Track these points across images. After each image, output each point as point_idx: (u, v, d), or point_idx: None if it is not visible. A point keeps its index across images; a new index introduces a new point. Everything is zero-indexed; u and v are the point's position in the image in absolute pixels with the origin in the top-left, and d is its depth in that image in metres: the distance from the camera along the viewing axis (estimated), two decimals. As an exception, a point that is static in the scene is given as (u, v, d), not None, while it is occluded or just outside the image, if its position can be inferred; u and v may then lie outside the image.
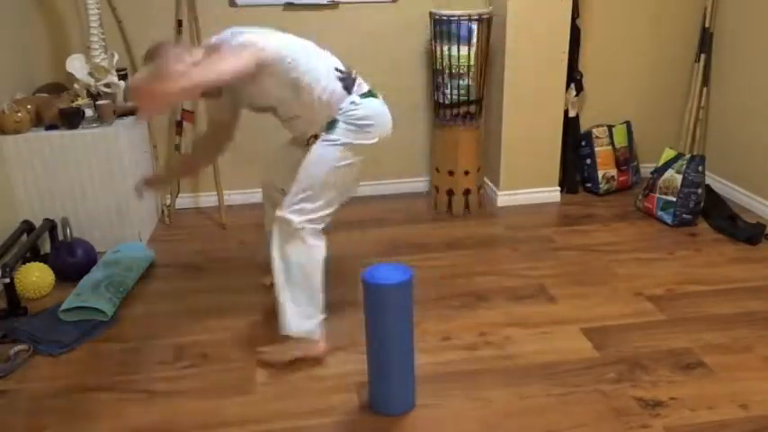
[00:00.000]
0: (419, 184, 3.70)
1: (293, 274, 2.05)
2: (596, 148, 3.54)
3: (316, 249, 2.06)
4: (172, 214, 3.38)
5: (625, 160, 3.59)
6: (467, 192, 3.34)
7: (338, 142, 2.03)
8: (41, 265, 2.63)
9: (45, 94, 2.98)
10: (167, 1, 3.20)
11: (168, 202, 3.38)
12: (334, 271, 2.76)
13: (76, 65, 2.90)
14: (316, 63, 2.03)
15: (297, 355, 2.10)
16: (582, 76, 3.51)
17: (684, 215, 3.10)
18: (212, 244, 3.07)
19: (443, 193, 3.36)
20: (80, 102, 2.93)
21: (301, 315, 2.07)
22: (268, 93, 2.03)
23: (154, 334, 2.32)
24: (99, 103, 2.86)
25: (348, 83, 2.07)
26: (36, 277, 2.56)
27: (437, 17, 3.10)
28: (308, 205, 2.01)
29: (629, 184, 3.64)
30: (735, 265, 2.73)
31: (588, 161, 3.56)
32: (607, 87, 3.65)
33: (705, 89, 3.56)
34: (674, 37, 3.60)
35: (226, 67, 1.83)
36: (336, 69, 2.07)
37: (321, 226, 2.07)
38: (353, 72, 2.13)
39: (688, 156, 3.14)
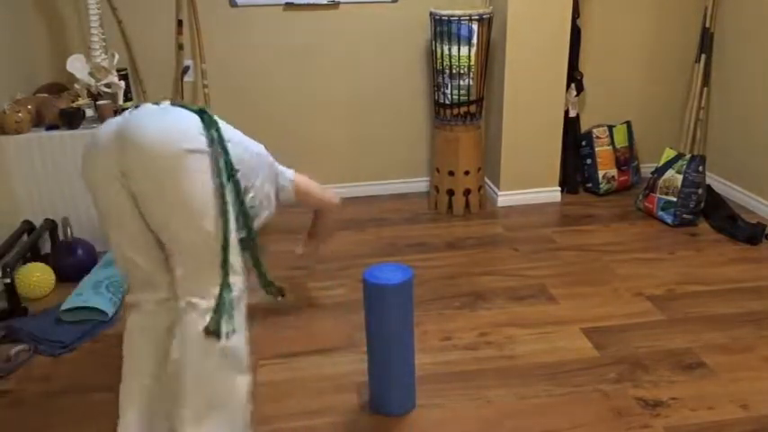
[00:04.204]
0: (419, 184, 3.70)
1: None
2: (597, 149, 3.53)
3: None
4: (172, 214, 3.37)
5: (625, 160, 3.59)
6: (467, 192, 3.34)
7: None
8: (42, 265, 2.63)
9: (45, 95, 2.98)
10: (167, 1, 3.20)
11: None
12: (335, 271, 2.77)
13: (77, 65, 2.90)
14: None
15: None
16: (582, 76, 3.51)
17: (685, 215, 3.10)
18: (212, 244, 3.07)
19: (444, 193, 3.36)
20: (80, 102, 2.93)
21: None
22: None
23: (154, 334, 2.32)
24: (99, 103, 2.86)
25: None
26: (36, 277, 2.56)
27: (437, 17, 3.09)
28: None
29: (629, 184, 3.63)
30: (735, 266, 2.73)
31: (588, 161, 3.56)
32: (607, 87, 3.65)
33: (705, 89, 3.56)
34: (674, 37, 3.60)
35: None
36: None
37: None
38: None
39: (688, 156, 3.14)
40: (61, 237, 2.83)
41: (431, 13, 3.14)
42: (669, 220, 3.13)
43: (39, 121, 2.83)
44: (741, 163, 3.39)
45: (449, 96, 3.21)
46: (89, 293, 2.41)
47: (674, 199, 3.11)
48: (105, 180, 1.56)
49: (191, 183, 1.51)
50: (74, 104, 2.90)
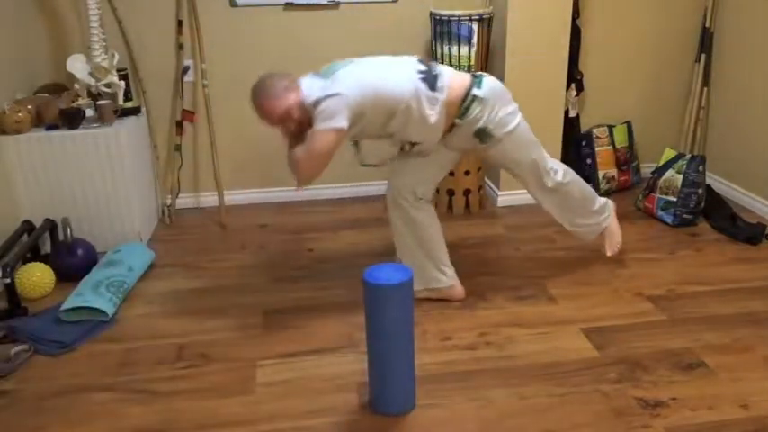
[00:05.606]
0: (419, 184, 3.69)
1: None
2: (597, 149, 3.53)
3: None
4: (172, 214, 3.38)
5: (625, 160, 3.59)
6: (467, 192, 3.34)
7: (505, 131, 2.33)
8: (42, 265, 2.63)
9: (45, 95, 2.98)
10: (167, 1, 3.20)
11: (169, 201, 3.39)
12: (335, 271, 2.77)
13: (77, 65, 2.90)
14: (396, 85, 2.21)
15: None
16: (582, 76, 3.51)
17: (685, 215, 3.10)
18: (212, 244, 3.07)
19: (444, 193, 3.36)
20: (80, 102, 2.93)
21: None
22: (371, 130, 2.27)
23: (154, 334, 2.32)
24: (99, 103, 2.86)
25: (430, 80, 2.24)
26: (36, 277, 2.56)
27: (437, 17, 3.10)
28: (543, 166, 2.44)
29: (629, 184, 3.63)
30: (735, 265, 2.73)
31: (589, 161, 3.56)
32: (607, 87, 3.65)
33: (705, 89, 3.56)
34: (674, 37, 3.60)
35: (320, 150, 2.12)
36: (419, 72, 2.26)
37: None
38: (433, 67, 2.29)
39: (688, 156, 3.14)
40: (61, 237, 2.83)
41: (431, 13, 3.14)
42: (669, 220, 3.13)
43: (39, 121, 2.84)
44: (741, 163, 3.39)
45: (449, 96, 3.21)
46: (89, 293, 2.41)
47: (674, 199, 3.11)
48: None
49: None
50: (74, 104, 2.90)
